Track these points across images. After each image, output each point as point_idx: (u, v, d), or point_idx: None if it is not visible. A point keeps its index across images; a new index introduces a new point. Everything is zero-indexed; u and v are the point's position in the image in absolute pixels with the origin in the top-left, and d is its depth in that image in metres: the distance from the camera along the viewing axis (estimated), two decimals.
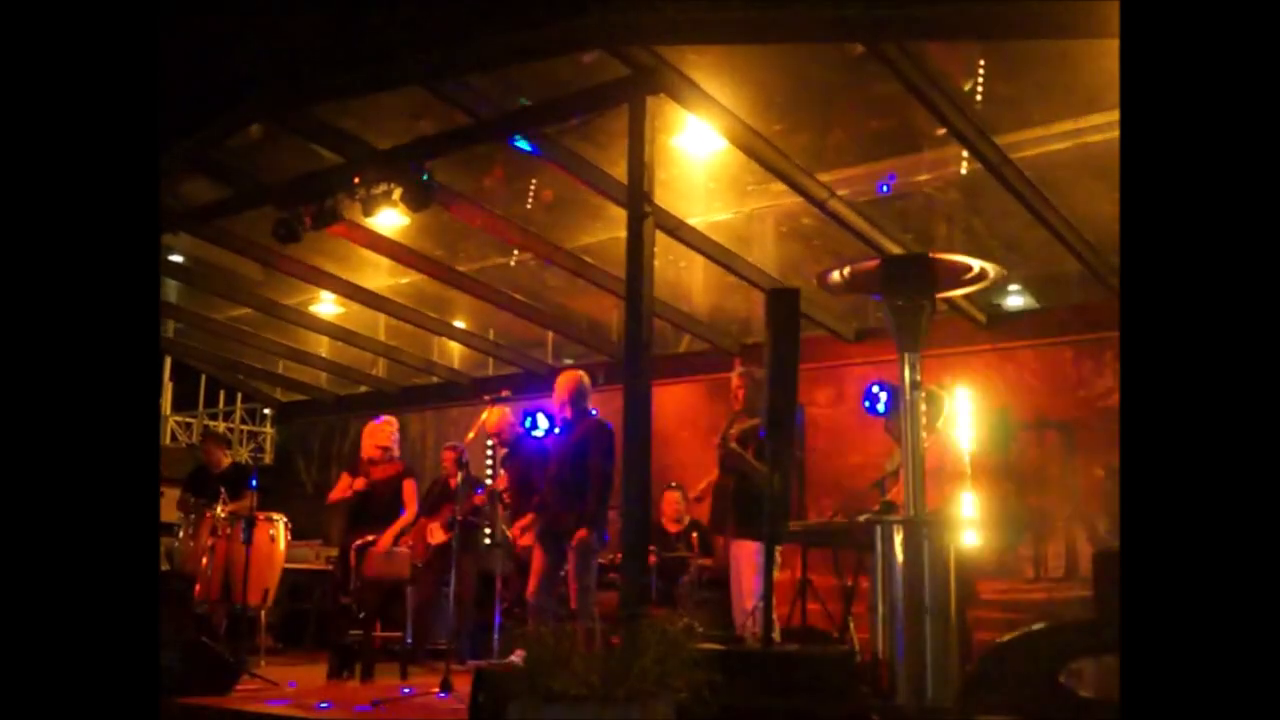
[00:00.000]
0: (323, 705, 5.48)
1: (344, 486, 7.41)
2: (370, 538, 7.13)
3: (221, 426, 14.88)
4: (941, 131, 6.07)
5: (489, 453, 8.64)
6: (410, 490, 7.44)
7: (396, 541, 7.24)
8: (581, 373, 6.64)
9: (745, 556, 6.08)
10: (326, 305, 10.32)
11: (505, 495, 7.50)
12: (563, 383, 6.52)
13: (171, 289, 10.03)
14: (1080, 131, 6.29)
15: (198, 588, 7.67)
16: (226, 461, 8.85)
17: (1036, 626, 4.17)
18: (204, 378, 15.10)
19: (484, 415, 7.01)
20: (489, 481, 7.82)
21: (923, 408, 4.91)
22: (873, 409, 7.67)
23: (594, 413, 6.58)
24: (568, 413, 6.46)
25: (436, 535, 7.91)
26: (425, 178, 6.60)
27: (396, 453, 7.55)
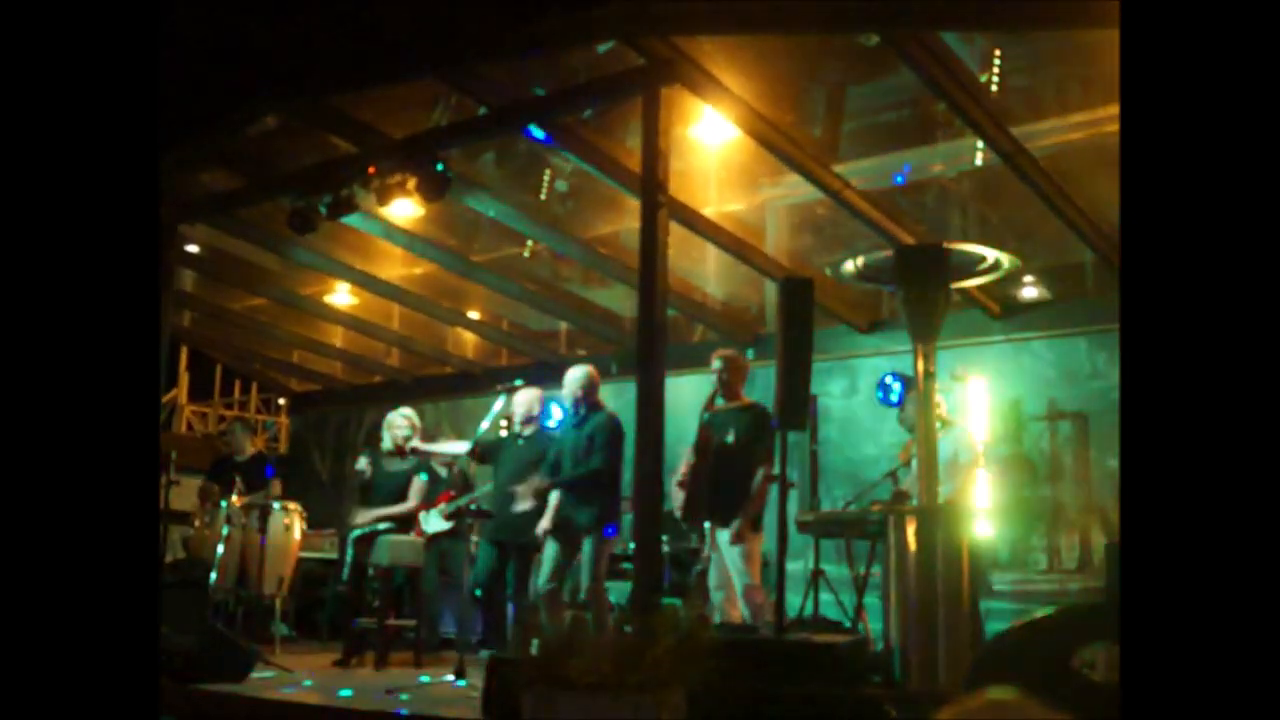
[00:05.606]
0: (340, 693, 5.51)
1: None
2: (383, 527, 7.20)
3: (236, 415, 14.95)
4: (956, 122, 6.06)
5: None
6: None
7: (408, 530, 7.29)
8: (591, 367, 6.63)
9: (727, 544, 6.04)
10: (341, 295, 10.36)
11: None
12: (572, 377, 6.52)
13: (188, 279, 10.07)
14: (1097, 122, 6.26)
15: (214, 576, 7.71)
16: (251, 450, 8.87)
17: (1049, 610, 4.17)
18: (220, 367, 15.18)
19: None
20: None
21: (936, 399, 4.91)
22: (886, 400, 7.70)
23: (604, 408, 6.56)
24: (578, 407, 6.48)
25: (431, 523, 7.87)
26: (440, 168, 6.60)
27: None
